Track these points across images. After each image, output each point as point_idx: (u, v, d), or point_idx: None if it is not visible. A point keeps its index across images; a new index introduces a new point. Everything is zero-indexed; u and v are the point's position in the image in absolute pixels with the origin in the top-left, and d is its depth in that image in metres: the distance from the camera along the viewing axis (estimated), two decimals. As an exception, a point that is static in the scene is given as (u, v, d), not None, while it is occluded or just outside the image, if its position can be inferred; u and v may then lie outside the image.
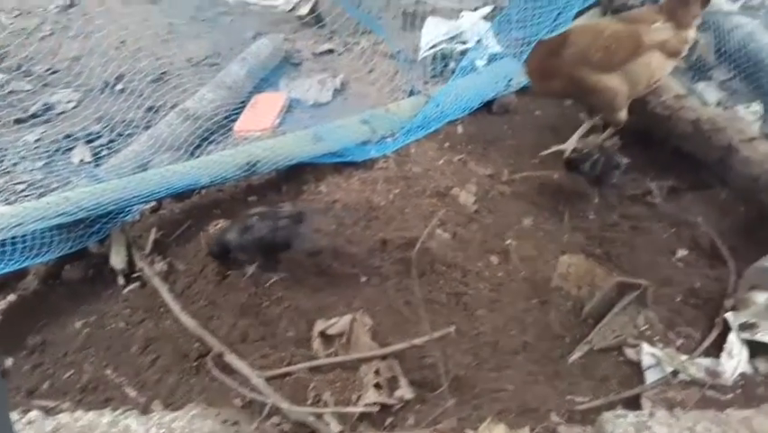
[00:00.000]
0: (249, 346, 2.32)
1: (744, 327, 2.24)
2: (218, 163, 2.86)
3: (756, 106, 3.71)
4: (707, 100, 3.75)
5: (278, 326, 2.39)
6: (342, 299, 2.49)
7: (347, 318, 2.25)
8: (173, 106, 3.56)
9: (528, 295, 2.53)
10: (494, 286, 2.57)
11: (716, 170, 3.02)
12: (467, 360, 2.25)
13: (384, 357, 2.14)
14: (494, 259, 2.71)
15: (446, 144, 3.51)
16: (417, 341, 2.13)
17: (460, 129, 3.63)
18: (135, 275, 2.66)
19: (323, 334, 2.26)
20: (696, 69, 4.14)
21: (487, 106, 3.78)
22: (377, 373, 2.08)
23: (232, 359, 2.21)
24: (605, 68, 3.03)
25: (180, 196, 2.95)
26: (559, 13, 3.85)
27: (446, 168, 3.29)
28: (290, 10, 4.84)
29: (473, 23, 4.23)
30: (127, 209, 2.75)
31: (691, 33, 3.11)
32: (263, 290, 2.51)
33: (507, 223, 2.91)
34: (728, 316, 2.28)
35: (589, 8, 4.45)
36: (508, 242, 2.78)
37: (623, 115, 3.15)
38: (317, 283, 2.57)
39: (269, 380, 2.13)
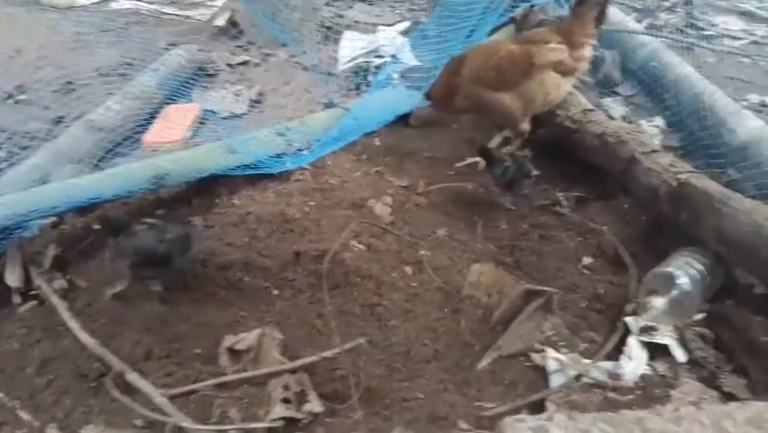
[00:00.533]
0: (153, 364, 2.23)
1: (643, 330, 2.33)
2: (123, 176, 2.77)
3: (659, 121, 3.90)
4: (613, 114, 3.91)
5: (184, 342, 2.31)
6: (252, 313, 2.44)
7: (255, 333, 2.20)
8: (79, 117, 3.42)
9: (441, 304, 2.54)
10: (408, 296, 2.57)
11: (620, 181, 3.14)
12: (379, 371, 2.24)
13: (293, 371, 2.10)
14: (408, 269, 2.71)
15: (363, 156, 3.52)
16: (327, 354, 2.11)
17: (377, 141, 3.65)
18: (33, 293, 2.52)
19: (230, 349, 2.20)
20: (603, 85, 4.33)
21: (404, 119, 3.81)
22: (285, 387, 2.04)
23: (134, 378, 2.12)
24: (498, 86, 3.23)
25: (83, 210, 2.82)
26: (473, 30, 3.96)
27: (363, 180, 3.30)
28: (207, 20, 4.76)
29: (390, 38, 4.28)
30: (24, 224, 2.61)
31: (586, 53, 3.29)
32: (170, 305, 2.43)
33: (421, 233, 2.92)
34: (629, 320, 2.36)
35: (504, 25, 4.59)
36: (423, 252, 2.79)
37: (524, 126, 3.32)
38: (227, 298, 2.51)
39: (172, 398, 2.05)
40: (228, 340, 2.23)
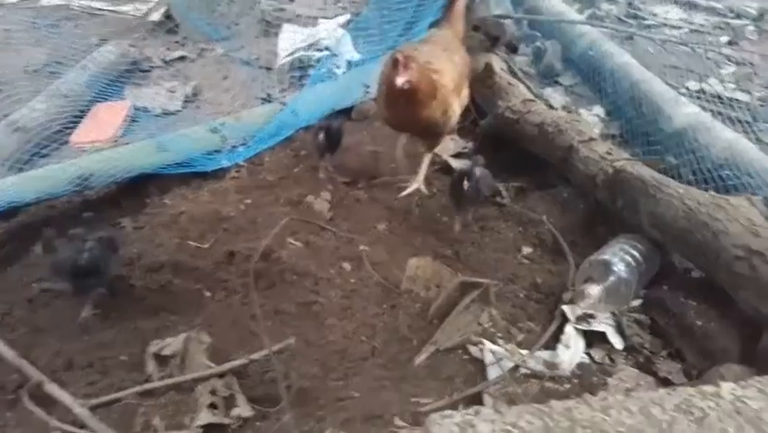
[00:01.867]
0: (74, 374, 2.12)
1: (580, 318, 2.32)
2: (46, 178, 2.65)
3: (598, 109, 3.92)
4: (554, 104, 3.91)
5: (109, 350, 2.21)
6: (183, 317, 2.35)
7: (181, 337, 2.11)
8: (6, 116, 3.26)
9: (379, 300, 2.49)
10: (346, 293, 2.52)
11: (559, 170, 3.14)
12: (314, 370, 2.17)
13: (221, 375, 2.02)
14: (347, 266, 2.65)
15: (303, 152, 3.44)
16: (255, 356, 2.04)
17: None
18: (-52, 303, 2.38)
19: (157, 355, 2.10)
20: (544, 75, 4.33)
21: (346, 113, 3.75)
22: (212, 392, 1.96)
23: (53, 388, 2.01)
24: None
25: (3, 215, 2.68)
26: (412, 23, 3.92)
27: (301, 176, 3.23)
28: (142, 15, 4.61)
29: (331, 31, 4.21)
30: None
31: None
32: (94, 312, 2.32)
33: (361, 229, 2.87)
34: (566, 308, 2.35)
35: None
36: (362, 248, 2.74)
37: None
38: (157, 302, 2.41)
39: (93, 409, 1.95)
40: (154, 346, 2.13)
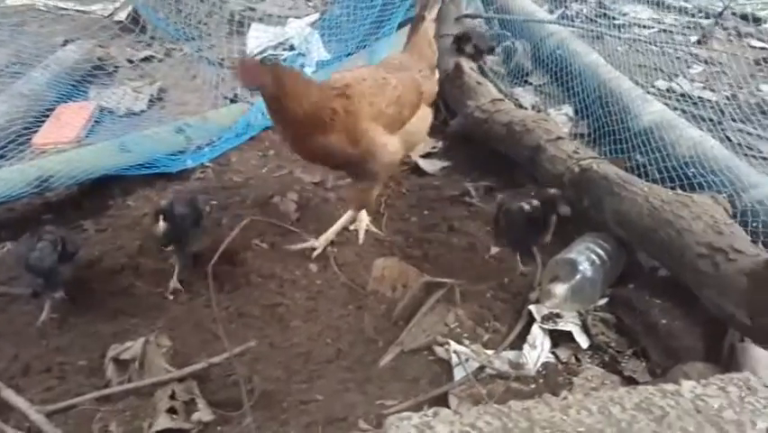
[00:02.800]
0: (31, 379, 2.08)
1: (546, 317, 2.31)
2: (3, 180, 2.59)
3: (567, 109, 3.93)
4: (523, 103, 3.92)
5: (67, 354, 2.16)
6: (144, 320, 2.32)
7: (141, 341, 2.07)
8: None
9: (345, 301, 2.47)
10: (311, 294, 2.49)
11: (527, 169, 3.13)
12: (277, 373, 2.14)
13: (181, 379, 1.98)
14: (313, 267, 2.63)
15: (270, 152, 3.41)
16: (215, 359, 2.00)
17: (286, 136, 3.54)
18: None
19: (116, 360, 2.06)
20: (514, 75, 4.34)
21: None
22: (172, 397, 1.92)
23: (8, 394, 1.95)
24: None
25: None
26: (381, 22, 3.91)
27: (269, 176, 3.20)
28: (108, 15, 4.53)
29: (300, 30, 4.17)
30: None
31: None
32: (53, 316, 2.27)
33: (328, 229, 2.84)
34: (532, 308, 2.34)
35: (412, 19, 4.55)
36: (329, 248, 2.71)
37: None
38: (117, 305, 2.37)
39: (50, 415, 1.90)
40: (113, 350, 2.09)
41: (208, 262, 2.48)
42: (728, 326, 2.19)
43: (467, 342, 2.23)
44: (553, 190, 2.52)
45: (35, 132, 3.28)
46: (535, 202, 2.44)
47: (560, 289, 2.32)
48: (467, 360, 2.13)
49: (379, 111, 2.44)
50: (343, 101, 2.36)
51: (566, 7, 5.52)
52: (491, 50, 3.53)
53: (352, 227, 2.79)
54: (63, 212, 2.79)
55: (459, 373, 2.12)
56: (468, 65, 3.76)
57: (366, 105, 2.41)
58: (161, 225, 2.31)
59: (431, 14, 2.90)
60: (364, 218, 2.79)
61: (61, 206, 2.83)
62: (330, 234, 2.70)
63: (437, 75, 2.95)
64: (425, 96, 2.71)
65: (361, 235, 2.76)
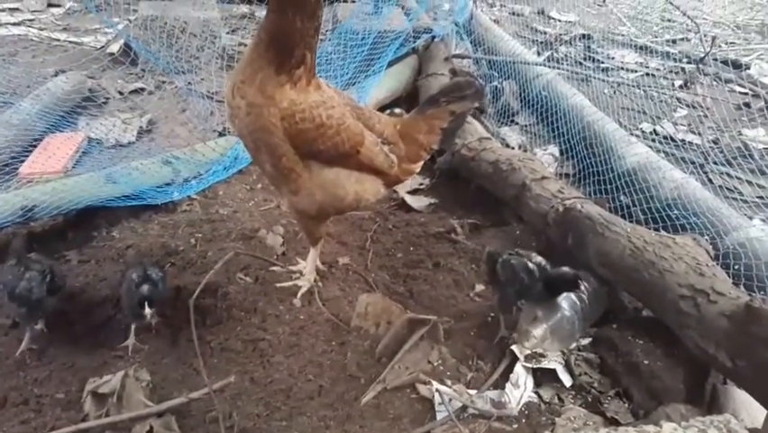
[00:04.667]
0: (8, 412, 2.05)
1: (529, 357, 2.30)
2: (-13, 209, 2.56)
3: (553, 149, 3.98)
4: (510, 143, 3.97)
5: (45, 387, 2.13)
6: (124, 354, 2.28)
7: (120, 375, 2.04)
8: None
9: (329, 337, 2.45)
10: (294, 330, 2.47)
11: (512, 207, 3.16)
12: (257, 410, 2.11)
13: (160, 415, 1.95)
14: (297, 302, 2.60)
15: (258, 186, 3.42)
16: (195, 394, 1.97)
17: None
18: None
19: (94, 393, 2.02)
20: (502, 114, 4.40)
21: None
22: (150, 432, 1.88)
23: (-19, 429, 1.92)
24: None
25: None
26: (371, 59, 3.96)
27: (255, 210, 3.19)
28: (101, 47, 4.57)
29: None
30: None
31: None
32: (32, 347, 2.24)
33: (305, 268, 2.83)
34: (515, 347, 2.33)
35: (406, 55, 4.63)
36: (314, 283, 2.70)
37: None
38: (97, 337, 2.34)
39: (23, 450, 1.87)
40: (92, 383, 2.05)
41: (190, 295, 2.51)
42: (710, 367, 2.19)
43: (450, 381, 2.21)
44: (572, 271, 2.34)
45: (22, 161, 3.27)
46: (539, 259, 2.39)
47: (539, 330, 2.33)
48: (450, 400, 2.12)
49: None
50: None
51: (554, 50, 5.63)
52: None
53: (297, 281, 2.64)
54: (48, 242, 2.77)
55: (441, 413, 2.10)
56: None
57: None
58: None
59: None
60: (307, 276, 2.63)
61: (46, 236, 2.80)
62: (309, 271, 2.64)
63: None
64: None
65: (299, 295, 2.57)
